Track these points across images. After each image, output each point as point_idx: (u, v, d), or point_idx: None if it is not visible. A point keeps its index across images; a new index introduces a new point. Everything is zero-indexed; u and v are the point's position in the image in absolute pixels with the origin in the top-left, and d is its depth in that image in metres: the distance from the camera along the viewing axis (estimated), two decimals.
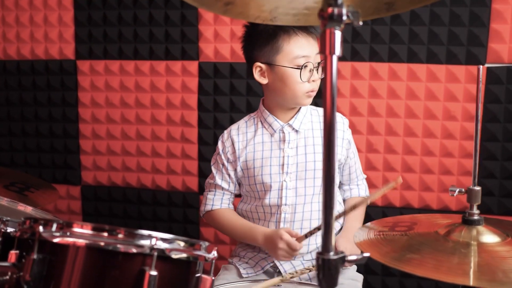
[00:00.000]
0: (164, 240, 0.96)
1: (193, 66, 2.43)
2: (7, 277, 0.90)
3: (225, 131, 1.74)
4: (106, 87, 2.54)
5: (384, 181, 2.31)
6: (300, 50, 1.54)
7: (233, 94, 2.41)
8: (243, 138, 1.69)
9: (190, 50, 2.42)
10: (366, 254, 0.88)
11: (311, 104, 1.68)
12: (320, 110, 1.70)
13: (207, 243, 1.04)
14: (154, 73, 2.48)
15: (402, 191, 2.28)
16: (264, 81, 1.61)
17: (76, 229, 0.94)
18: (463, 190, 1.13)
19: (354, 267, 1.73)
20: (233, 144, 1.69)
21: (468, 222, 1.12)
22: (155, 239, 0.94)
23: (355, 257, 0.86)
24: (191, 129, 2.47)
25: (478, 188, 1.11)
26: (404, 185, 2.28)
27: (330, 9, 0.79)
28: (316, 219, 1.65)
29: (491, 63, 2.16)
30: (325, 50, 0.81)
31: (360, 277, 1.71)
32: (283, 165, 1.63)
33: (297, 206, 1.62)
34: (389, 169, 2.29)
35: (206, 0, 0.96)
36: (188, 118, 2.46)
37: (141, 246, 0.93)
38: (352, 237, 1.46)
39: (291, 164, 1.63)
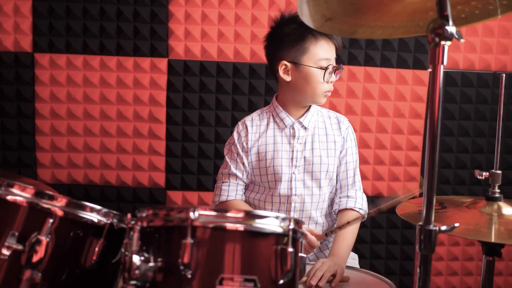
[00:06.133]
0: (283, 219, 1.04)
1: (162, 63, 2.46)
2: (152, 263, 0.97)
3: (240, 122, 1.85)
4: (67, 82, 2.46)
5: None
6: (324, 53, 1.71)
7: (202, 92, 2.49)
8: (256, 130, 1.82)
9: (159, 47, 2.45)
10: (456, 224, 1.07)
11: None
12: (325, 111, 1.89)
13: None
14: (121, 69, 2.46)
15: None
16: (287, 78, 1.74)
17: (203, 212, 1.00)
18: (488, 173, 1.40)
19: None
20: (247, 134, 1.81)
21: (491, 199, 1.40)
22: (287, 221, 1.02)
23: (445, 228, 1.05)
24: (159, 125, 2.50)
25: (499, 171, 1.39)
26: (361, 176, 2.54)
27: (444, 28, 0.97)
28: (321, 208, 1.82)
29: None
30: (434, 61, 0.98)
31: (356, 256, 1.93)
32: (292, 158, 1.78)
33: (306, 196, 1.78)
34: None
35: (312, 16, 1.11)
36: (156, 114, 2.49)
37: (280, 227, 1.02)
38: (339, 260, 1.61)
39: (300, 158, 1.79)
